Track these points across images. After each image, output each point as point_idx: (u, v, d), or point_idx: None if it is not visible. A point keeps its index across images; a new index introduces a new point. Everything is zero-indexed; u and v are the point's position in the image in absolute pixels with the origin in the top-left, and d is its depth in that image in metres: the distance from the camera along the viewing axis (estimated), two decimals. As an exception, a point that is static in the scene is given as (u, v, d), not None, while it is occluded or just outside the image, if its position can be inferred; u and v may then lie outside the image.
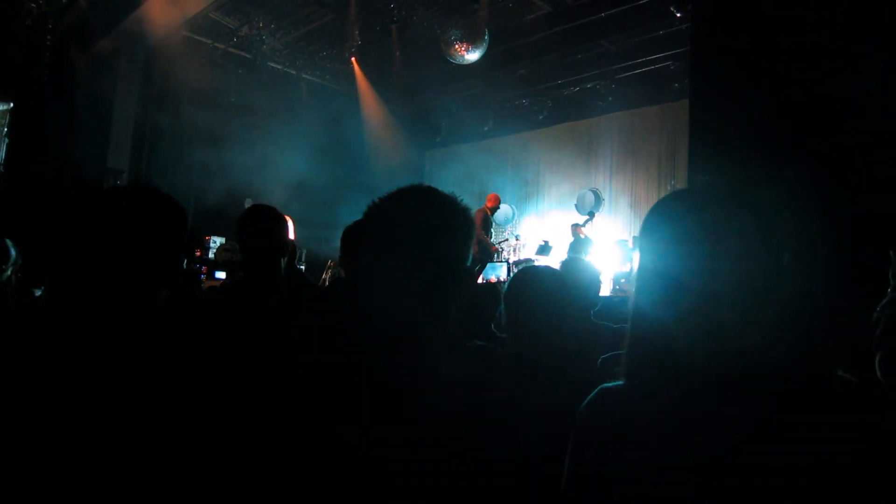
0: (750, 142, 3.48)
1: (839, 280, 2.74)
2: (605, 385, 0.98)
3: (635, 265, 0.99)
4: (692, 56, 4.41)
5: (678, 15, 7.64)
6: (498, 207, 9.68)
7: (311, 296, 2.50)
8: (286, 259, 2.37)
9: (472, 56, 8.59)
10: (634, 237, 8.72)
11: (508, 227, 12.13)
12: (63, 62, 8.55)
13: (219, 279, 7.32)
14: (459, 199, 1.10)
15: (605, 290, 6.54)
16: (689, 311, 0.86)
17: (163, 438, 1.07)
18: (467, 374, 1.01)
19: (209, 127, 10.09)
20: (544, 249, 9.62)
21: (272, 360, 1.01)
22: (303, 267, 8.64)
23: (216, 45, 9.86)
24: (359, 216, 1.15)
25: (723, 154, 3.58)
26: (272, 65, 10.61)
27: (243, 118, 10.62)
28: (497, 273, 8.00)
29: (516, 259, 9.85)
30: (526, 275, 1.87)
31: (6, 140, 8.54)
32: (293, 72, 11.02)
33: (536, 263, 7.83)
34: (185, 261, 1.37)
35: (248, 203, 8.85)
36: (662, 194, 1.41)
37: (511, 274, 6.89)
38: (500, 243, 10.63)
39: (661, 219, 0.95)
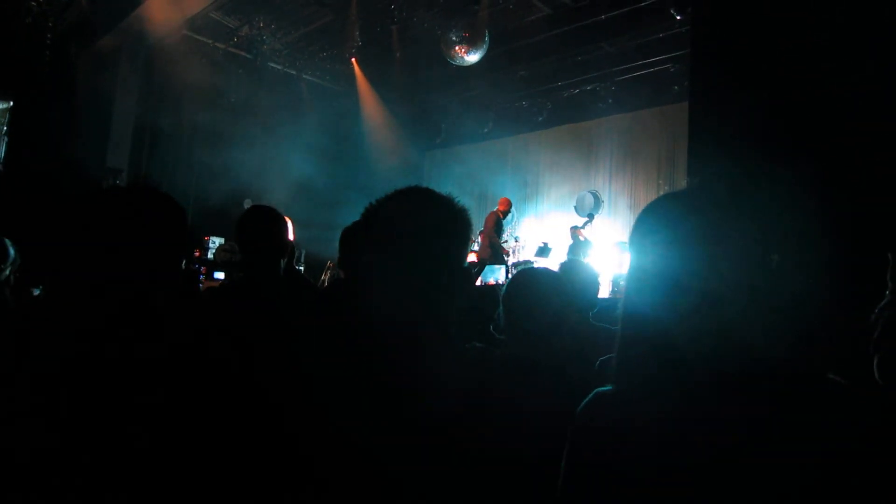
0: (750, 142, 3.48)
1: (838, 281, 2.74)
2: (600, 389, 0.98)
3: (627, 266, 0.99)
4: (692, 57, 4.42)
5: (678, 17, 7.65)
6: (509, 211, 9.71)
7: (310, 297, 2.50)
8: (286, 260, 2.37)
9: (473, 57, 8.60)
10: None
11: (508, 229, 12.13)
12: (63, 60, 8.55)
13: (218, 279, 7.32)
14: (457, 199, 1.11)
15: (604, 292, 6.54)
16: (689, 312, 0.86)
17: (163, 438, 1.07)
18: (466, 375, 1.02)
19: (209, 127, 10.09)
20: (543, 251, 9.62)
21: (272, 361, 1.01)
22: (301, 268, 8.64)
23: (216, 44, 9.87)
24: (358, 217, 1.15)
25: (723, 154, 3.58)
26: (272, 65, 10.61)
27: (243, 118, 10.63)
28: (496, 276, 8.00)
29: (515, 261, 9.85)
30: (525, 277, 1.87)
31: (6, 138, 8.54)
32: (293, 72, 11.02)
33: (535, 265, 7.83)
34: (185, 261, 1.37)
35: (247, 203, 8.86)
36: (662, 197, 1.40)
37: (510, 276, 6.88)
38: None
39: (658, 220, 0.95)
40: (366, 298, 1.04)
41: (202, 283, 7.07)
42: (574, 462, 0.95)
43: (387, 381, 0.95)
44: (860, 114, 3.09)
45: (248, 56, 10.16)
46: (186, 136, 10.33)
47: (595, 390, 0.98)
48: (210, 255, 8.76)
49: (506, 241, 10.92)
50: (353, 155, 11.63)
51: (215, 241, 9.15)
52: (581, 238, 9.20)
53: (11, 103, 8.60)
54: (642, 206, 1.00)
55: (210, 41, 9.78)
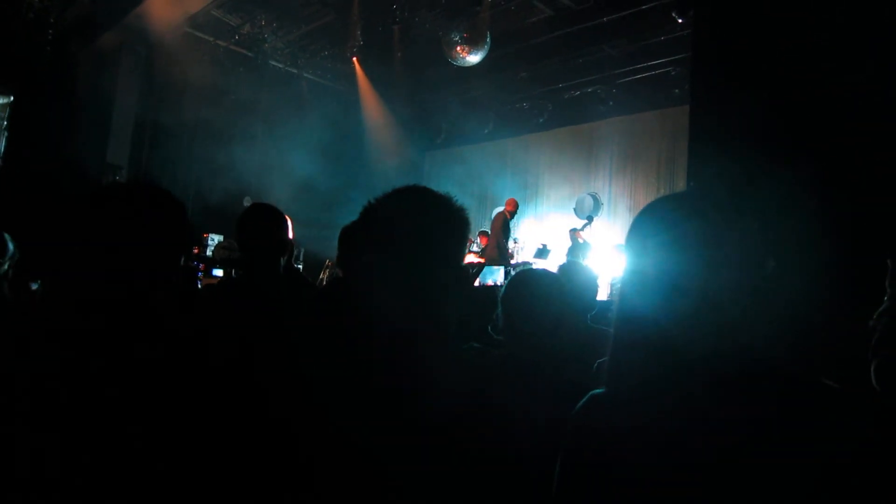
0: (750, 143, 3.48)
1: (837, 282, 2.75)
2: (595, 391, 0.98)
3: (622, 268, 0.99)
4: (693, 59, 4.43)
5: (679, 21, 7.66)
6: (516, 212, 9.68)
7: (309, 295, 2.50)
8: (285, 258, 2.37)
9: (474, 58, 8.60)
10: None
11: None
12: (64, 57, 8.55)
13: (216, 276, 7.32)
14: (455, 199, 1.11)
15: (603, 295, 6.54)
16: (688, 314, 0.86)
17: (162, 438, 1.07)
18: (464, 375, 1.02)
19: (209, 124, 10.09)
20: (542, 253, 9.62)
21: (272, 361, 1.01)
22: (300, 266, 8.64)
23: (218, 42, 9.86)
24: (357, 216, 1.15)
25: (723, 155, 3.59)
26: (273, 63, 10.61)
27: (244, 116, 10.62)
28: (494, 277, 7.99)
29: (514, 262, 9.85)
30: (523, 277, 1.87)
31: (6, 133, 8.53)
32: (294, 70, 11.02)
33: (534, 266, 7.83)
34: (184, 258, 1.36)
35: (247, 201, 8.86)
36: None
37: (508, 278, 6.87)
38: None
39: (657, 222, 0.95)
40: (364, 298, 1.04)
41: (200, 280, 7.07)
42: (570, 464, 0.95)
43: (385, 381, 0.95)
44: (860, 114, 3.10)
45: (249, 54, 10.16)
46: (187, 133, 10.32)
47: (589, 393, 0.98)
48: (209, 253, 8.76)
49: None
50: (354, 154, 11.63)
51: (214, 239, 9.16)
52: (580, 240, 9.21)
53: (12, 99, 8.60)
54: (642, 208, 1.00)
55: (211, 39, 9.78)
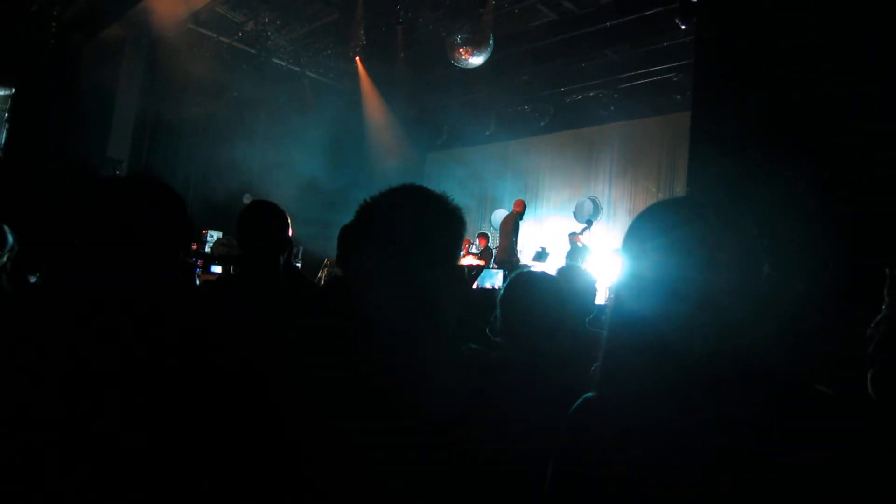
0: (751, 145, 3.49)
1: (836, 286, 2.75)
2: (588, 395, 0.98)
3: (618, 272, 0.99)
4: (696, 64, 4.44)
5: (683, 27, 7.66)
6: (524, 213, 9.64)
7: (309, 294, 2.49)
8: (284, 256, 2.36)
9: (477, 60, 8.60)
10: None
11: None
12: (67, 49, 8.53)
13: (215, 273, 7.32)
14: (451, 198, 1.10)
15: (601, 299, 6.53)
16: (686, 318, 0.86)
17: (161, 437, 1.06)
18: (462, 376, 1.02)
19: (211, 121, 10.09)
20: (541, 256, 9.62)
21: (271, 360, 1.01)
22: (299, 265, 8.64)
23: (221, 39, 9.86)
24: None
25: (724, 158, 3.59)
26: (276, 61, 10.61)
27: (245, 113, 10.62)
28: (493, 280, 7.98)
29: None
30: (523, 279, 1.87)
31: (6, 126, 8.52)
32: (297, 69, 11.02)
33: (532, 269, 7.81)
34: (183, 254, 1.35)
35: (246, 199, 8.87)
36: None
37: (506, 281, 6.85)
38: (497, 248, 10.63)
39: (655, 226, 0.95)
40: (362, 297, 1.04)
41: (199, 276, 7.06)
42: (564, 465, 0.95)
43: (383, 381, 0.95)
44: (860, 114, 3.11)
45: (252, 51, 10.16)
46: (188, 129, 10.33)
47: (583, 396, 0.98)
48: (207, 249, 8.76)
49: (504, 245, 10.92)
50: (355, 153, 11.63)
51: (213, 235, 9.15)
52: (579, 244, 9.21)
53: (13, 91, 8.59)
54: (639, 213, 1.00)
55: (215, 35, 9.78)
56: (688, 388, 0.86)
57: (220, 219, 8.86)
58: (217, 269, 7.56)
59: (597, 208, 11.14)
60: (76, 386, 1.04)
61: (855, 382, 1.55)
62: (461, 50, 8.49)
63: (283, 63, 10.77)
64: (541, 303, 1.76)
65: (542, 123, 11.54)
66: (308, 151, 10.20)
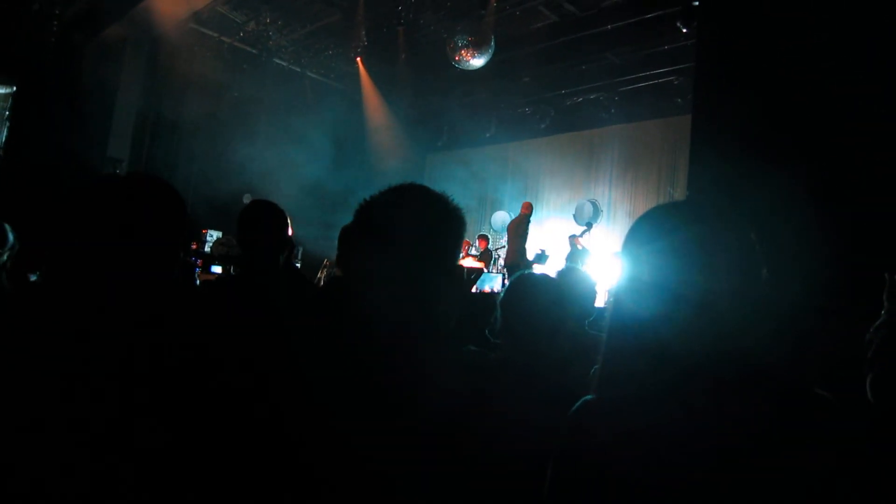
0: (751, 146, 3.50)
1: (835, 288, 2.76)
2: (587, 397, 0.98)
3: (617, 275, 0.99)
4: (697, 66, 4.45)
5: (684, 31, 7.68)
6: (531, 214, 9.60)
7: (308, 294, 2.50)
8: (284, 256, 2.37)
9: (478, 62, 8.62)
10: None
11: (506, 234, 12.15)
12: (68, 48, 8.54)
13: (215, 273, 7.32)
14: (451, 198, 1.10)
15: (601, 302, 6.53)
16: (686, 321, 0.86)
17: (161, 436, 1.06)
18: (461, 376, 1.02)
19: (211, 120, 10.09)
20: (541, 258, 9.62)
21: (270, 360, 1.01)
22: (298, 265, 8.64)
23: (222, 38, 9.88)
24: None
25: (724, 159, 3.60)
26: (277, 61, 10.63)
27: (246, 113, 10.63)
28: (491, 284, 7.98)
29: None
30: (524, 281, 1.87)
31: (7, 124, 8.52)
32: (298, 69, 11.03)
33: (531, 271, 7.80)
34: (182, 253, 1.35)
35: (246, 199, 8.87)
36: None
37: (505, 284, 6.86)
38: (496, 250, 10.64)
39: (655, 229, 0.95)
40: (361, 297, 1.04)
41: (199, 276, 7.07)
42: (565, 468, 0.95)
43: (382, 381, 0.95)
44: (860, 114, 3.11)
45: (253, 51, 10.17)
46: (188, 128, 10.33)
47: (582, 398, 0.98)
48: (207, 249, 8.76)
49: (503, 247, 10.92)
50: (355, 154, 11.64)
51: (213, 235, 9.16)
52: (579, 246, 9.22)
53: (14, 89, 8.59)
54: (639, 216, 1.00)
55: (216, 35, 9.79)
56: (687, 391, 0.86)
57: (220, 218, 8.86)
58: (217, 269, 7.56)
59: (597, 211, 11.15)
60: (75, 385, 1.04)
61: (853, 384, 1.55)
62: (462, 51, 8.50)
63: (284, 63, 10.78)
64: (542, 304, 1.76)
65: (543, 125, 11.56)
66: (309, 152, 10.21)
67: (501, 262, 10.35)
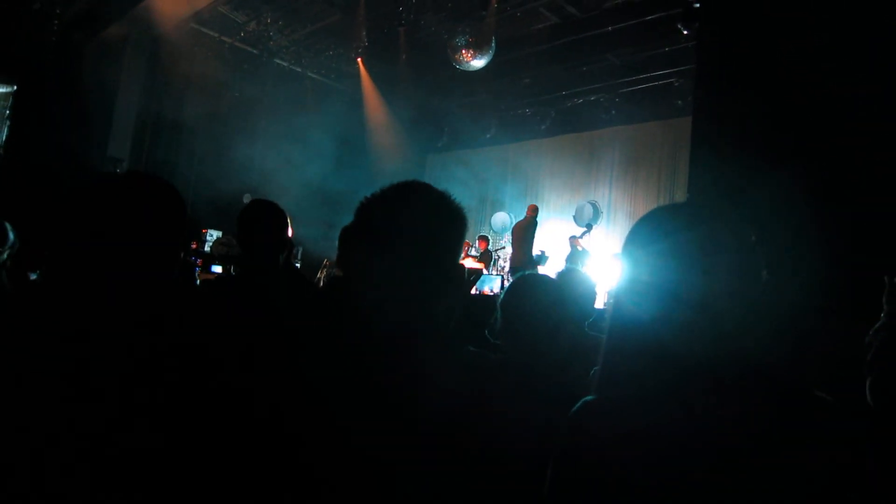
0: (751, 148, 3.50)
1: (835, 289, 2.76)
2: (587, 398, 0.98)
3: (618, 277, 0.99)
4: (697, 68, 4.45)
5: (685, 32, 7.68)
6: (537, 216, 9.57)
7: (308, 294, 2.50)
8: (284, 255, 2.37)
9: (478, 63, 8.62)
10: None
11: (506, 235, 12.15)
12: (68, 48, 8.54)
13: (215, 273, 7.32)
14: (452, 197, 1.09)
15: (601, 303, 6.54)
16: (686, 322, 0.86)
17: (162, 436, 1.06)
18: (462, 377, 1.01)
19: (212, 120, 10.09)
20: (540, 259, 9.63)
21: (270, 360, 1.00)
22: (298, 265, 8.64)
23: (223, 38, 9.88)
24: (357, 215, 1.13)
25: (724, 161, 3.60)
26: (278, 61, 10.63)
27: (246, 113, 10.64)
28: (491, 285, 7.98)
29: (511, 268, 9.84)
30: (524, 282, 1.87)
31: (7, 123, 8.52)
32: (299, 69, 11.04)
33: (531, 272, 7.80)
34: (182, 253, 1.35)
35: (246, 198, 8.87)
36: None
37: (504, 286, 6.87)
38: (496, 251, 10.64)
39: (655, 231, 0.95)
40: (362, 297, 1.03)
41: (199, 276, 7.07)
42: (565, 468, 0.95)
43: (382, 380, 0.94)
44: (860, 114, 3.12)
45: (253, 51, 10.18)
46: (189, 128, 10.33)
47: (582, 399, 0.98)
48: (207, 248, 8.76)
49: (503, 248, 10.92)
50: (356, 154, 11.64)
51: (213, 234, 9.16)
52: (579, 248, 9.22)
53: (15, 88, 8.59)
54: (639, 218, 1.00)
55: (217, 35, 9.80)
56: (687, 391, 0.86)
57: (221, 218, 8.86)
58: (217, 268, 7.56)
59: (597, 212, 11.16)
60: (75, 385, 1.04)
61: (853, 384, 1.55)
62: (463, 52, 8.51)
63: (284, 63, 10.78)
64: (542, 305, 1.76)
65: (543, 127, 11.56)
66: (309, 152, 10.22)
67: (502, 263, 10.36)
